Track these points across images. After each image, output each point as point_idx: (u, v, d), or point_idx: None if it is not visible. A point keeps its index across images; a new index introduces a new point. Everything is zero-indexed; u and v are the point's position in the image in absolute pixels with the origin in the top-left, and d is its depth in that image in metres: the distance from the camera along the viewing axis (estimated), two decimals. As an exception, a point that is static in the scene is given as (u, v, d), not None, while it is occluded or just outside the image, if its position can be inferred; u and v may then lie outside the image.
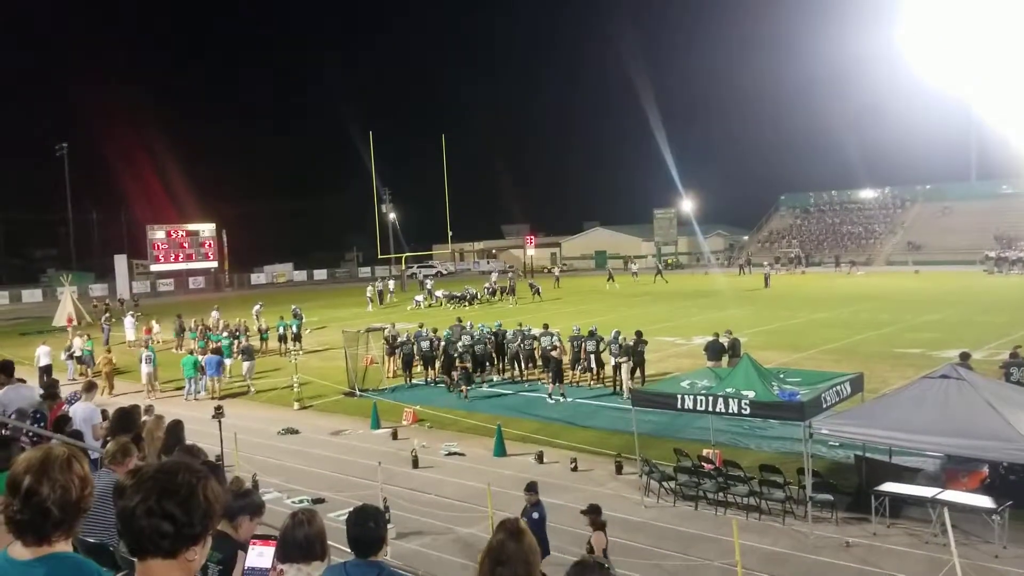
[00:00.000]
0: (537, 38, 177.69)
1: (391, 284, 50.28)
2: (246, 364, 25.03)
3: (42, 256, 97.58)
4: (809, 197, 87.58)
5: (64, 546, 2.45)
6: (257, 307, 38.98)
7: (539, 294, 48.56)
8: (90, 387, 12.47)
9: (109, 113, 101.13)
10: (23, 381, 11.35)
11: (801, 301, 42.61)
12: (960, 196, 76.22)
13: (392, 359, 25.75)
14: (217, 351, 25.89)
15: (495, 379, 24.51)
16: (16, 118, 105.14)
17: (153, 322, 34.27)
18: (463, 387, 22.38)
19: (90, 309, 45.33)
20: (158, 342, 29.69)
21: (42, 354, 26.06)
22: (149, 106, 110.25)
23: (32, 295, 66.44)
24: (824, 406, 13.02)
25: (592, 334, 23.39)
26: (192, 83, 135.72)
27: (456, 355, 23.71)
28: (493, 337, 25.13)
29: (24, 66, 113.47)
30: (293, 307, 36.17)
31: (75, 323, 38.45)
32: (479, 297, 48.34)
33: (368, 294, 48.77)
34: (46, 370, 24.87)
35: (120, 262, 68.28)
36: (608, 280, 57.24)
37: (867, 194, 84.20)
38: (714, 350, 21.60)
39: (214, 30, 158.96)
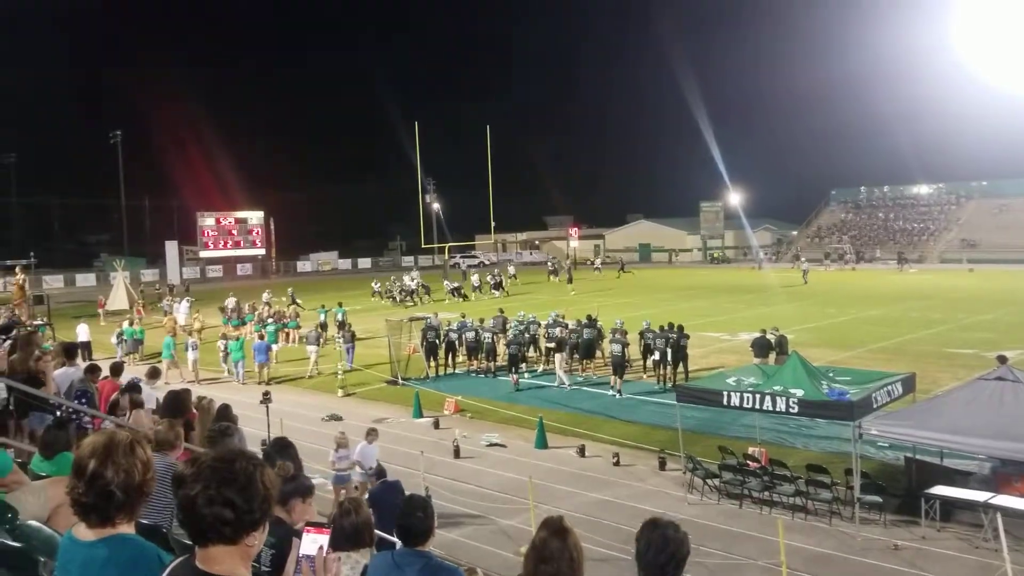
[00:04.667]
0: (584, 29, 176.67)
1: (412, 282, 48.07)
2: (311, 348, 25.53)
3: (95, 241, 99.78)
4: (860, 192, 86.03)
5: (127, 528, 2.50)
6: (266, 295, 39.40)
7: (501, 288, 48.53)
8: (154, 373, 12.74)
9: (161, 102, 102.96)
10: (97, 367, 11.65)
11: (850, 298, 41.88)
12: (1018, 193, 74.14)
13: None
14: (227, 337, 26.62)
15: (539, 369, 24.58)
16: (72, 107, 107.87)
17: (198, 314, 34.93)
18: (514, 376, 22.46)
19: (151, 293, 46.43)
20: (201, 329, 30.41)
21: (81, 332, 27.70)
22: (201, 95, 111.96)
23: (86, 279, 67.89)
24: (874, 406, 12.78)
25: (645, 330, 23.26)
26: (242, 73, 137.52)
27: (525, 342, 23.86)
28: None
29: (80, 56, 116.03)
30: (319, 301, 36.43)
31: (105, 306, 39.43)
32: (461, 289, 47.59)
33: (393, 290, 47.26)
34: (85, 346, 26.18)
35: (171, 248, 69.70)
36: (619, 272, 59.50)
37: (921, 190, 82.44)
38: (761, 347, 21.33)
39: (265, 19, 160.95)
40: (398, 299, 45.18)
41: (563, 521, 3.43)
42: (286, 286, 46.99)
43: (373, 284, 49.48)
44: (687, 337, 21.87)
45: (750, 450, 14.55)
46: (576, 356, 24.11)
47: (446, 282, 49.19)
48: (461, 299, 44.75)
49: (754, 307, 38.34)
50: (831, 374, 14.55)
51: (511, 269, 56.75)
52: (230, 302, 36.09)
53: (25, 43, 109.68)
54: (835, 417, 13.04)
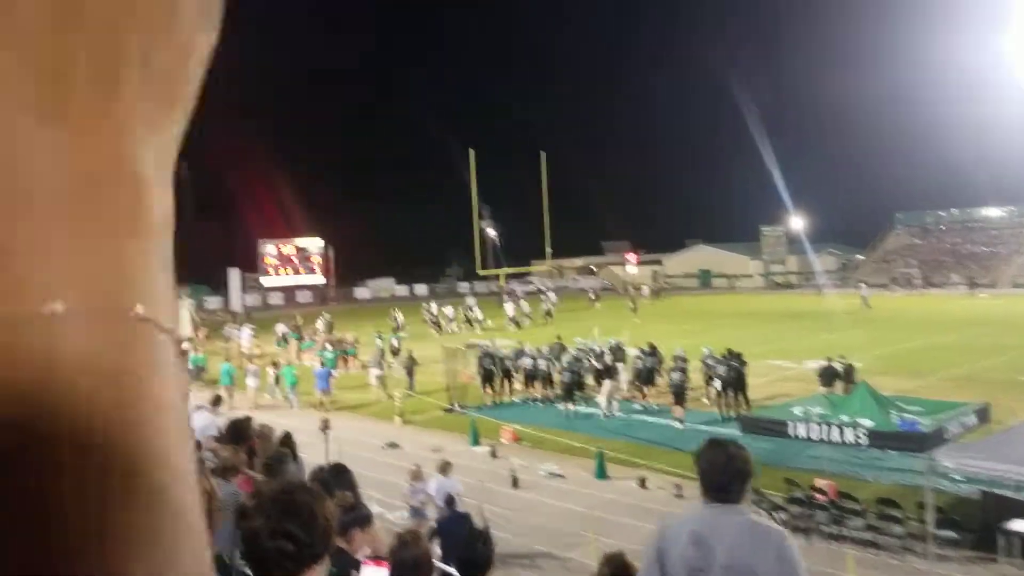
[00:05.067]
0: (637, 52, 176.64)
1: (448, 310, 47.18)
2: (375, 372, 26.12)
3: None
4: (927, 215, 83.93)
5: None
6: (320, 322, 39.81)
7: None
8: (217, 400, 12.93)
9: (225, 132, 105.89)
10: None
11: (919, 324, 40.67)
12: (1093, 214, 71.55)
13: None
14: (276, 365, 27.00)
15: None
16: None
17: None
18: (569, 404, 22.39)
19: (212, 320, 47.55)
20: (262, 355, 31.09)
21: None
22: (263, 127, 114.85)
23: (153, 306, 69.63)
24: (947, 437, 12.32)
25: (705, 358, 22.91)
26: (301, 102, 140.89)
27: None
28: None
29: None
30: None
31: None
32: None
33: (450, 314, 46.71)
34: None
35: (233, 275, 71.15)
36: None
37: (991, 212, 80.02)
38: (827, 375, 20.83)
39: (322, 48, 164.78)
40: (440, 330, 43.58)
41: (624, 557, 3.37)
42: (344, 313, 47.63)
43: (394, 315, 42.25)
44: (745, 364, 21.45)
45: (817, 482, 14.07)
46: (636, 384, 23.89)
47: (474, 309, 47.61)
48: (516, 327, 44.58)
49: (818, 334, 37.44)
50: (900, 404, 14.10)
51: (552, 296, 54.27)
52: (279, 328, 36.64)
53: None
54: (906, 449, 12.63)
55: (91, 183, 0.38)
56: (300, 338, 35.43)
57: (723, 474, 3.33)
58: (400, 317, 43.47)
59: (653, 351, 24.02)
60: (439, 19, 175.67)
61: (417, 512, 12.90)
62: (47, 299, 0.35)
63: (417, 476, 13.09)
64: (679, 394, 20.94)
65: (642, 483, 15.87)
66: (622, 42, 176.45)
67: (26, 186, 0.36)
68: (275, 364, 28.09)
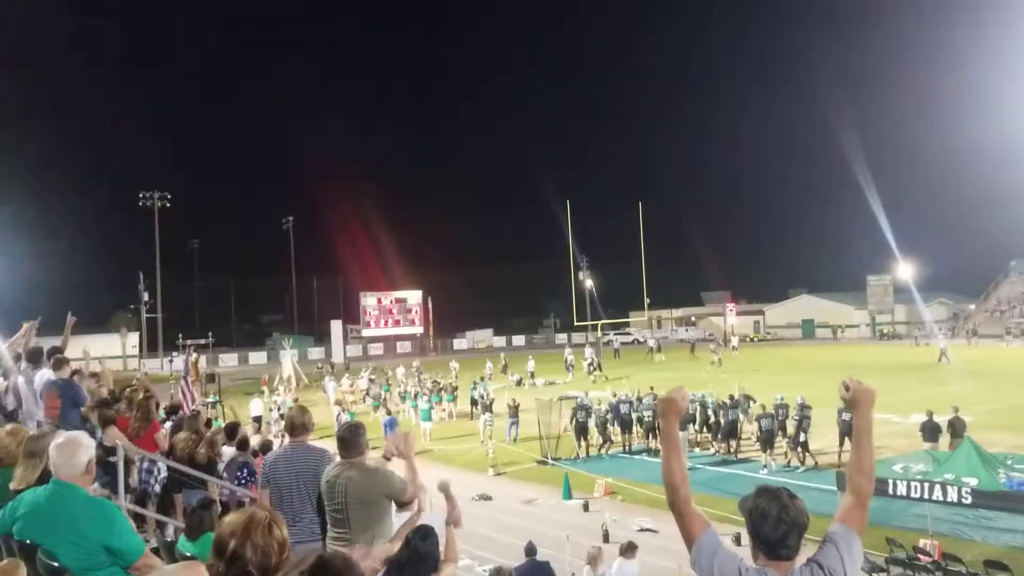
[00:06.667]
0: (737, 98, 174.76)
1: (587, 353, 49.61)
2: (484, 418, 26.62)
3: (268, 321, 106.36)
4: (1044, 261, 79.48)
5: None
6: (401, 370, 40.40)
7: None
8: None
9: (328, 190, 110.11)
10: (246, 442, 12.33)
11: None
12: None
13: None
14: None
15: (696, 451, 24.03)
16: (248, 196, 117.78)
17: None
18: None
19: (312, 372, 48.92)
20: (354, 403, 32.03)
21: (254, 407, 30.37)
22: (364, 183, 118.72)
23: (258, 357, 71.66)
24: (1062, 498, 11.65)
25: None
26: (400, 161, 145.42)
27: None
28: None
29: (256, 149, 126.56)
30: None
31: (268, 384, 41.66)
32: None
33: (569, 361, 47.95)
34: (257, 419, 28.76)
35: (335, 327, 73.28)
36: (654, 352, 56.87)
37: (1117, 257, 75.26)
38: (929, 430, 19.94)
39: (420, 107, 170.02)
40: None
41: None
42: (446, 362, 48.32)
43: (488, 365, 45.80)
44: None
45: (921, 543, 13.47)
46: (719, 436, 23.67)
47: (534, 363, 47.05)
48: (605, 378, 44.02)
49: (928, 386, 35.81)
50: (1009, 461, 13.42)
51: (616, 342, 53.26)
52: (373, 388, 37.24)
53: (203, 145, 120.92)
54: (1013, 509, 11.98)
55: None
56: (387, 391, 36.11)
57: (778, 525, 2.96)
58: (490, 366, 44.47)
59: (735, 403, 23.76)
60: (535, 71, 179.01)
61: None
62: None
63: (595, 559, 12.13)
64: (768, 441, 20.64)
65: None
66: (722, 89, 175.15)
67: None
68: (338, 402, 29.01)
